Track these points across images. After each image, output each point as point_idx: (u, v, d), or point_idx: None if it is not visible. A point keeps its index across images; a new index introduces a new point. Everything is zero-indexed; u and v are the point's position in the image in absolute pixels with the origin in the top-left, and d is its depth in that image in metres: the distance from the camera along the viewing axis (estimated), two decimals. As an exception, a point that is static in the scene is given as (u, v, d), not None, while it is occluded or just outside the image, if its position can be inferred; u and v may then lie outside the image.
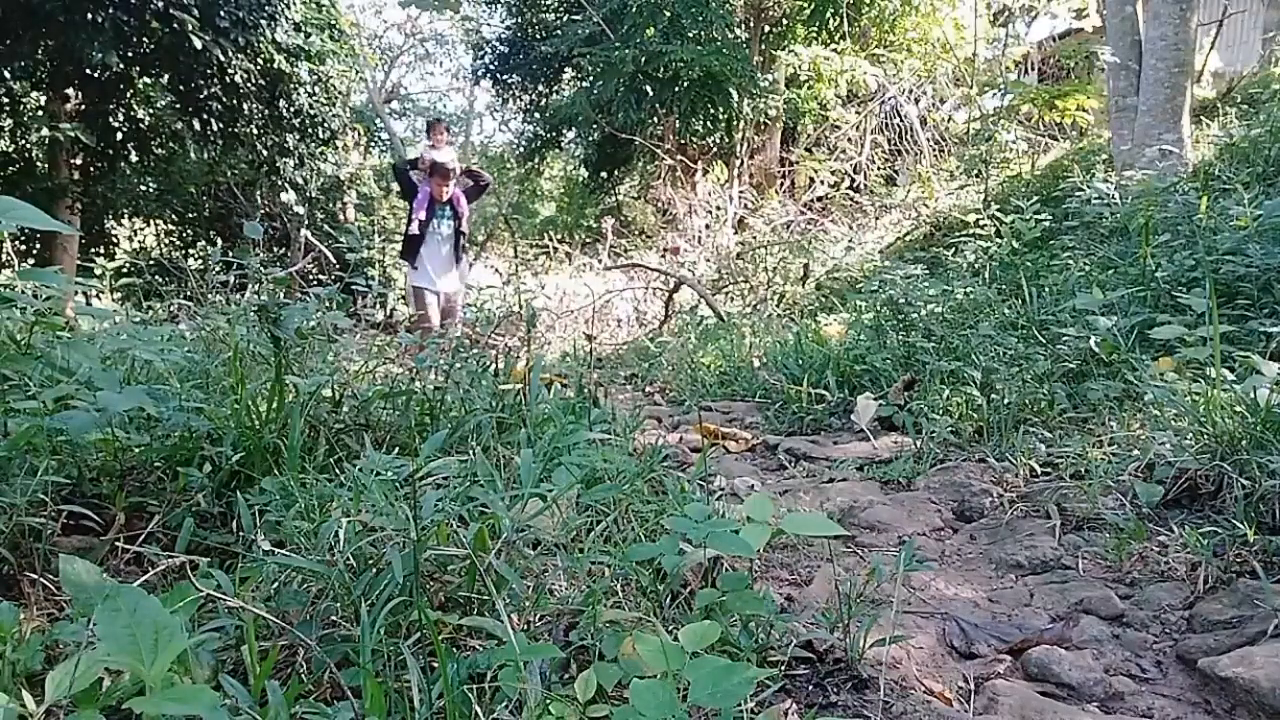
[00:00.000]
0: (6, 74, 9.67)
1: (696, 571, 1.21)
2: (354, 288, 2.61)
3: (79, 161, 11.15)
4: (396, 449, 1.59)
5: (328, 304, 2.16)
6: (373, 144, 19.31)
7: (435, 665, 0.86)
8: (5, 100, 10.44)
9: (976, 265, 4.44)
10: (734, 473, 2.16)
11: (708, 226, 10.14)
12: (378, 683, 0.80)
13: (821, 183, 9.97)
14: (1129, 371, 2.16)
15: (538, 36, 12.96)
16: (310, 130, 11.78)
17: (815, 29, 10.47)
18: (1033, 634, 1.19)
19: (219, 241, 13.03)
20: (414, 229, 5.61)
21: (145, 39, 9.38)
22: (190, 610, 0.90)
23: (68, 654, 0.86)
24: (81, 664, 0.73)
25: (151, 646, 0.69)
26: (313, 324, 1.99)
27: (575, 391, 2.26)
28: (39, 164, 11.07)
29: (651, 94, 10.24)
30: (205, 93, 10.49)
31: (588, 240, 11.79)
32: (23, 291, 1.80)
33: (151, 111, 11.37)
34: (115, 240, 13.10)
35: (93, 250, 11.55)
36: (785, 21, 11.29)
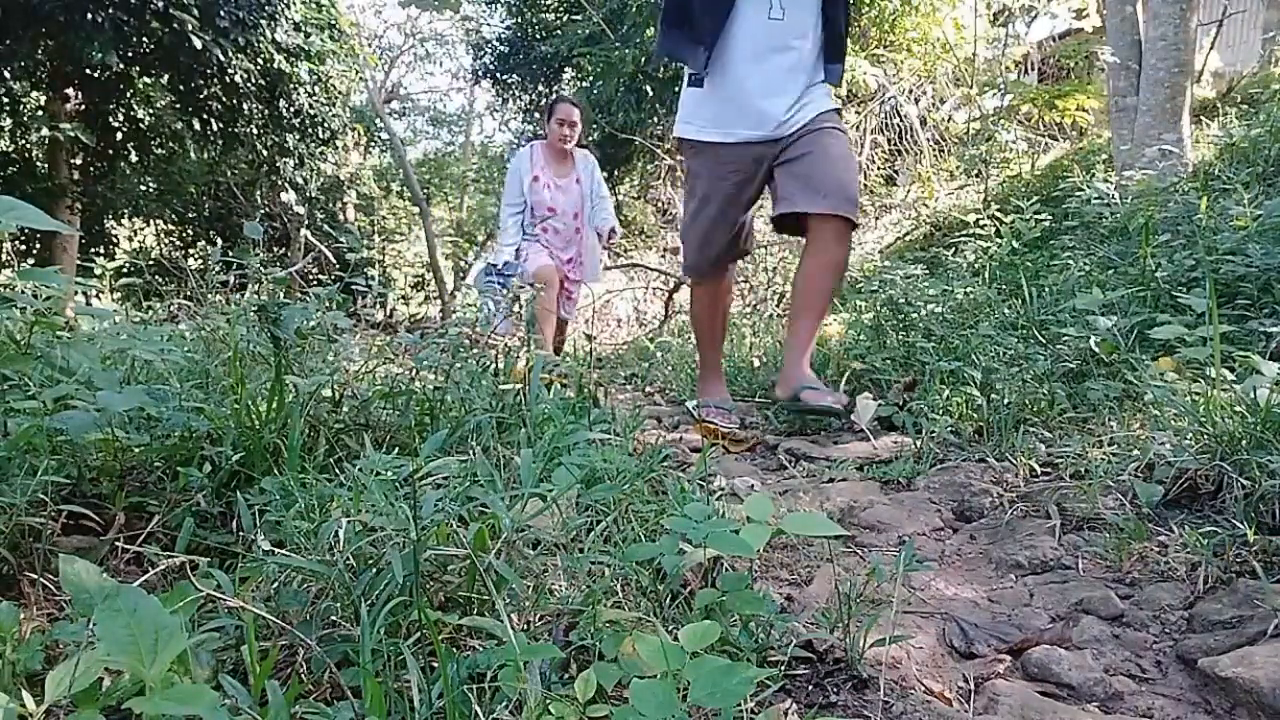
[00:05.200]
0: (6, 74, 9.67)
1: (696, 571, 1.21)
2: (354, 288, 2.61)
3: (79, 161, 11.16)
4: (396, 449, 1.59)
5: (328, 304, 2.16)
6: (373, 144, 19.32)
7: (435, 665, 0.86)
8: (5, 100, 10.44)
9: (976, 265, 4.44)
10: (734, 473, 2.16)
11: (708, 226, 10.12)
12: (378, 683, 0.80)
13: (821, 182, 9.94)
14: (1129, 371, 2.16)
15: (538, 36, 12.96)
16: (310, 130, 11.79)
17: (815, 29, 10.44)
18: (1033, 634, 1.19)
19: (219, 241, 13.04)
20: None
21: (145, 39, 9.38)
22: (190, 610, 0.90)
23: (68, 654, 0.86)
24: (81, 664, 0.73)
25: (151, 647, 0.69)
26: (313, 324, 1.99)
27: (575, 391, 2.25)
28: (39, 164, 11.07)
29: (651, 94, 10.24)
30: (205, 93, 10.51)
31: (587, 240, 11.79)
32: (23, 291, 1.80)
33: (151, 111, 11.38)
34: (115, 240, 13.11)
35: (93, 250, 11.56)
36: (785, 21, 11.26)
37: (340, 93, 12.37)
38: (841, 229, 2.45)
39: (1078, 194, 4.59)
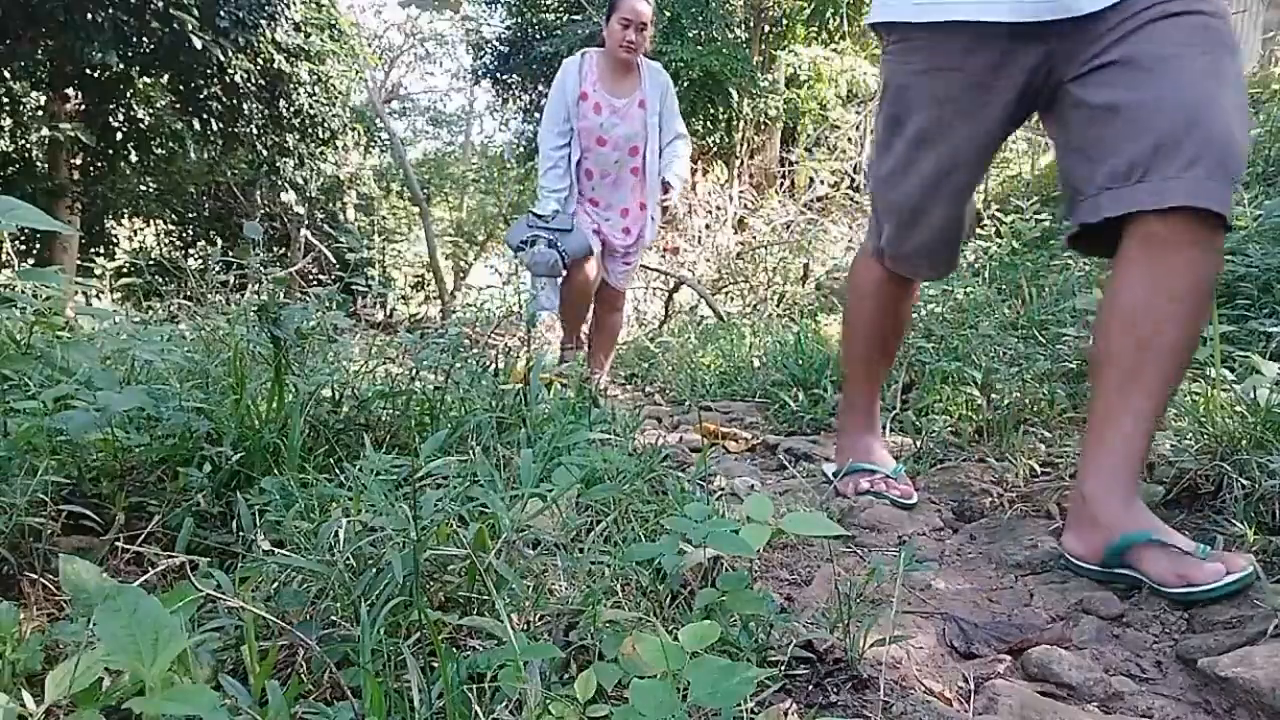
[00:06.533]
0: (6, 74, 9.68)
1: (696, 571, 1.21)
2: (354, 288, 2.61)
3: (79, 161, 11.17)
4: (396, 449, 1.59)
5: (328, 304, 2.16)
6: (373, 144, 19.32)
7: (435, 665, 0.86)
8: (5, 100, 10.45)
9: (976, 265, 4.44)
10: (734, 473, 2.16)
11: (708, 226, 10.14)
12: (378, 683, 0.80)
13: (821, 183, 9.96)
14: (1129, 371, 2.15)
15: (538, 36, 12.95)
16: (310, 130, 11.80)
17: (815, 29, 10.48)
18: (1033, 634, 1.19)
19: (219, 241, 13.06)
20: None
21: (145, 39, 9.38)
22: (190, 610, 0.90)
23: (68, 654, 0.86)
24: (81, 664, 0.73)
25: (151, 646, 0.69)
26: (313, 324, 1.99)
27: (575, 391, 2.25)
28: (39, 164, 11.08)
29: (651, 94, 10.22)
30: (205, 93, 10.52)
31: (588, 240, 11.76)
32: (23, 291, 1.80)
33: (151, 111, 11.39)
34: (115, 240, 13.11)
35: (93, 250, 11.57)
36: (785, 21, 11.29)
37: (340, 93, 12.38)
38: (1201, 227, 1.23)
39: (1078, 194, 4.57)
